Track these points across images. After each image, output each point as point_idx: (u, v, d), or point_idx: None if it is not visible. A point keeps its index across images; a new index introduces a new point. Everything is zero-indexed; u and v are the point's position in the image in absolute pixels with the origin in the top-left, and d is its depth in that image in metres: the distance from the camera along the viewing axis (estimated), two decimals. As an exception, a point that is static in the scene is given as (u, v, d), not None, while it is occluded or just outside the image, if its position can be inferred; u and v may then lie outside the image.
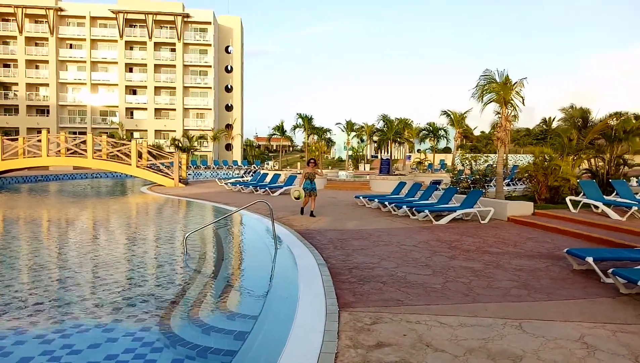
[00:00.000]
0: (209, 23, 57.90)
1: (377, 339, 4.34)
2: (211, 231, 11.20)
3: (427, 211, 12.27)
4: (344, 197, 19.05)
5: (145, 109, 57.22)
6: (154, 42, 56.59)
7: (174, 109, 57.47)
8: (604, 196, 13.25)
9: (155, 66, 56.93)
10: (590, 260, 6.50)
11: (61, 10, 54.62)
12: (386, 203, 14.28)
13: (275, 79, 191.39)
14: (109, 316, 5.22)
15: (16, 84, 54.23)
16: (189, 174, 35.06)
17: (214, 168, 45.76)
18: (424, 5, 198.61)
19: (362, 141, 60.78)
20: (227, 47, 62.81)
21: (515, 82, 15.00)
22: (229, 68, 62.85)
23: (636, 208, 11.68)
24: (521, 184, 21.18)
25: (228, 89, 62.77)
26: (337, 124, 55.29)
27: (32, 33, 54.04)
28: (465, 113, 41.26)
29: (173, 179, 26.92)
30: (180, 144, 47.82)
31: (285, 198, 19.29)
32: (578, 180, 14.65)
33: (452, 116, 41.21)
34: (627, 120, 19.89)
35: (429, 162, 47.32)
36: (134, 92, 57.69)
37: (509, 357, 3.98)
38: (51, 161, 27.83)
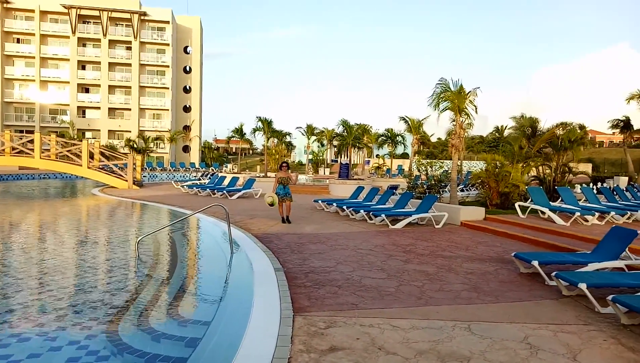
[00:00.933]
0: (167, 22, 56.67)
1: (331, 343, 4.36)
2: (165, 235, 10.91)
3: (383, 215, 12.45)
4: (303, 201, 19.05)
5: (99, 108, 55.25)
6: (109, 40, 54.81)
7: (129, 109, 55.78)
8: (550, 203, 13.90)
9: (110, 64, 55.11)
10: (535, 263, 6.79)
11: (7, 2, 51.93)
12: (344, 207, 14.40)
13: (236, 81, 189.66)
14: (52, 324, 4.97)
15: (-44, 78, 51.20)
16: (144, 176, 34.09)
17: (170, 170, 44.71)
18: (382, 13, 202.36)
19: (322, 145, 61.05)
20: (186, 47, 61.64)
21: (469, 92, 15.53)
22: (188, 69, 61.68)
23: (579, 213, 12.31)
24: (474, 190, 21.89)
25: (186, 90, 61.55)
26: (297, 128, 55.31)
27: (-25, 25, 51.19)
28: (422, 120, 42.20)
29: (127, 181, 26.07)
30: (135, 145, 46.40)
31: (243, 202, 19.09)
32: (527, 187, 15.28)
33: (409, 122, 42.04)
34: (572, 130, 21.02)
35: (387, 167, 48.08)
36: (87, 91, 55.60)
37: (457, 358, 4.09)
38: (-6, 160, 26.34)
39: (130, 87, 55.58)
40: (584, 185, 23.18)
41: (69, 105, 54.15)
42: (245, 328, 4.64)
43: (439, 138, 63.63)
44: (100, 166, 27.26)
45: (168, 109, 56.94)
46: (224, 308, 5.54)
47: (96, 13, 53.73)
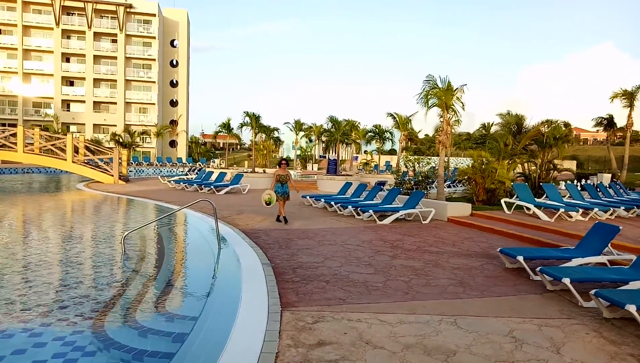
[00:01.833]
0: (154, 15, 55.94)
1: (318, 338, 4.38)
2: (152, 231, 10.83)
3: (371, 211, 12.50)
4: (291, 196, 18.96)
5: (84, 101, 54.42)
6: (94, 32, 53.92)
7: (115, 103, 55.05)
8: (535, 199, 14.08)
9: (95, 57, 54.27)
10: (520, 258, 6.89)
11: (-11, -8, 50.86)
12: (332, 202, 14.43)
13: (223, 75, 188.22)
14: (37, 319, 4.91)
15: (-64, 69, 49.99)
16: (130, 171, 33.70)
17: (157, 165, 44.29)
18: (370, 9, 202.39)
19: (311, 141, 60.98)
20: (173, 40, 60.98)
21: (457, 88, 15.63)
22: (175, 62, 61.06)
23: (563, 210, 12.50)
24: (461, 186, 22.10)
25: (173, 84, 60.93)
26: (285, 123, 55.22)
27: (-45, 15, 50.01)
28: (410, 116, 42.36)
29: (112, 175, 25.78)
30: (121, 140, 45.88)
31: (231, 197, 18.99)
32: (512, 183, 15.47)
33: (397, 118, 42.19)
34: (557, 128, 21.32)
35: (375, 163, 48.25)
36: (72, 84, 54.70)
37: (443, 352, 4.14)
38: (-24, 154, 25.83)
39: (115, 80, 54.82)
40: (568, 182, 23.49)
41: (53, 98, 53.24)
42: (233, 324, 4.63)
43: (426, 135, 63.90)
44: (86, 161, 26.89)
45: (154, 103, 56.32)
46: (212, 303, 5.53)
47: (81, 5, 52.82)
